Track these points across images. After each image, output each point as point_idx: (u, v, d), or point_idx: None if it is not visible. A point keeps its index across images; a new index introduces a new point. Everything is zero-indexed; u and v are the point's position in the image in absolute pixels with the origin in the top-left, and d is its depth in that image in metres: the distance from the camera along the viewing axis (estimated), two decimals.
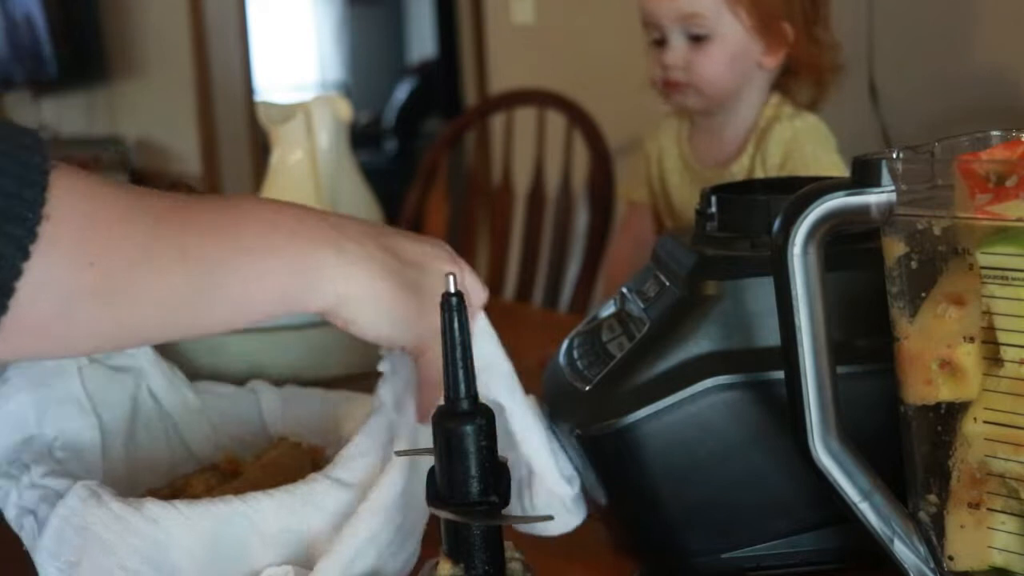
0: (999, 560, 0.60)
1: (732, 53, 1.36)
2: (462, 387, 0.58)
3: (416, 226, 2.18)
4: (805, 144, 1.35)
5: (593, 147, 2.04)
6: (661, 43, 1.39)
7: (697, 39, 1.36)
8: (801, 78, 1.42)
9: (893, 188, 0.59)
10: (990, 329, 0.58)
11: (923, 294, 0.59)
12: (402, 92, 6.24)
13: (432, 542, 0.60)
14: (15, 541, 0.69)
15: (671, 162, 1.50)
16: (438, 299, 0.58)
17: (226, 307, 0.61)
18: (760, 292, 0.68)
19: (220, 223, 0.61)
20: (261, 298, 0.62)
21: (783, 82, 1.42)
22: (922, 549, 0.62)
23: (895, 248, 0.60)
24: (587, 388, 0.73)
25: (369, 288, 0.64)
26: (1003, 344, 0.58)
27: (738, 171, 1.40)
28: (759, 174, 1.37)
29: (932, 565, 0.62)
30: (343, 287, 0.63)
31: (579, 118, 2.07)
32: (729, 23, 1.35)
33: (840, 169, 1.32)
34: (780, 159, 1.36)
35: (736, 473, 0.70)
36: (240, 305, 0.61)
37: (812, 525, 0.71)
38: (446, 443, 0.58)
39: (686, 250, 0.75)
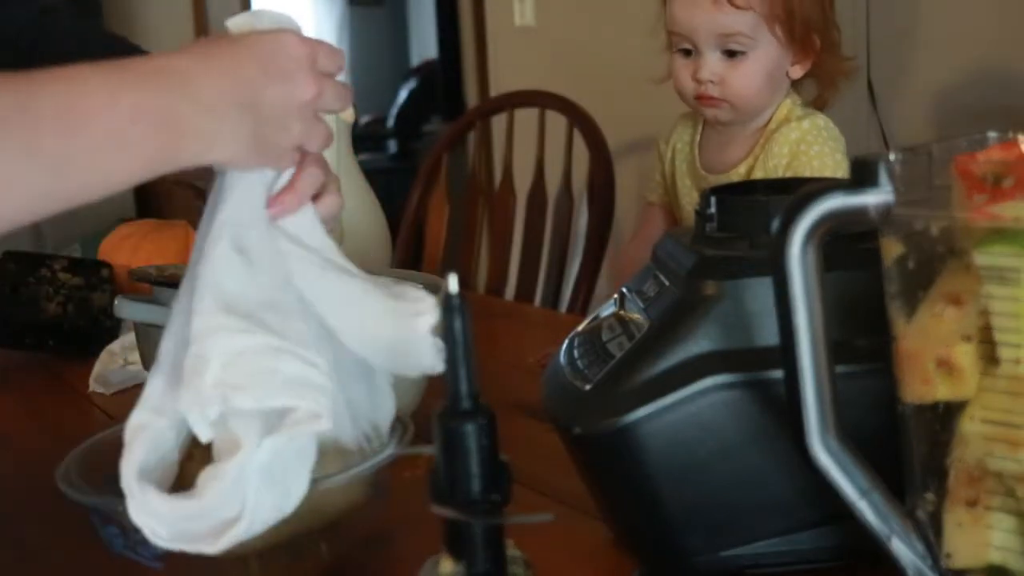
0: (996, 557, 0.60)
1: (767, 69, 1.36)
2: (463, 386, 0.58)
3: (418, 226, 2.19)
4: (812, 144, 1.36)
5: (593, 148, 2.04)
6: (690, 53, 1.39)
7: (732, 54, 1.36)
8: (818, 80, 1.43)
9: (891, 189, 0.60)
10: (987, 329, 0.58)
11: (921, 294, 0.60)
12: (404, 93, 6.25)
13: (434, 539, 0.61)
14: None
15: (682, 165, 1.50)
16: (296, 136, 0.72)
17: (83, 188, 0.64)
18: (759, 292, 0.69)
19: (67, 114, 0.62)
20: (119, 176, 0.65)
21: (794, 83, 1.43)
22: (920, 547, 0.62)
23: (893, 248, 0.60)
24: (587, 387, 0.74)
25: (231, 154, 0.70)
26: (1000, 343, 0.58)
27: (738, 175, 1.40)
28: (758, 176, 1.37)
29: (930, 563, 0.62)
30: (204, 157, 0.68)
31: (579, 119, 2.08)
32: (766, 40, 1.35)
33: (845, 171, 1.33)
34: (787, 159, 1.36)
35: (735, 472, 0.70)
36: (97, 184, 0.64)
37: (811, 523, 0.72)
38: (447, 442, 0.58)
39: (686, 250, 0.76)
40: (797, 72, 1.40)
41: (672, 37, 1.40)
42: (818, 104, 1.44)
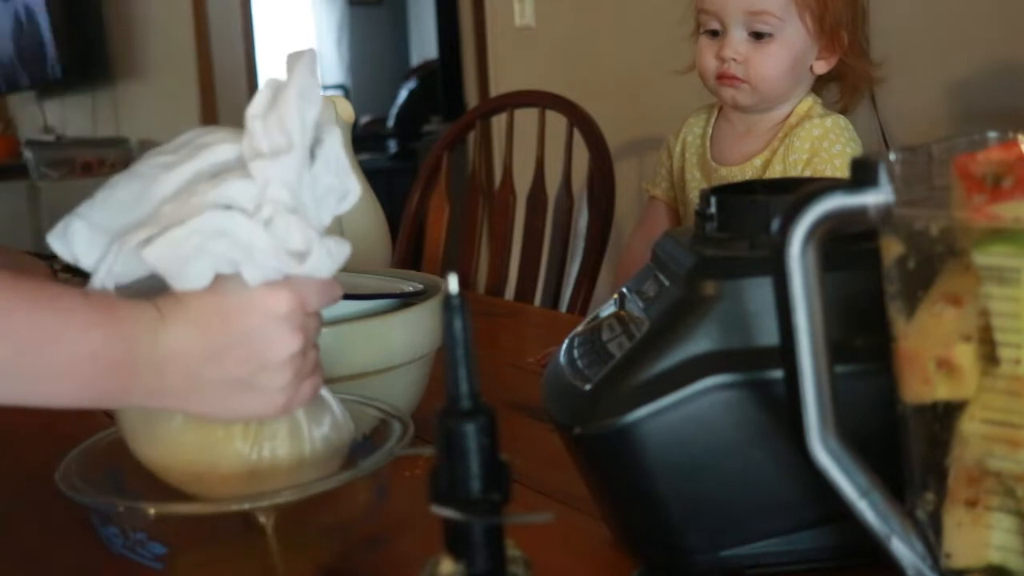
0: (996, 557, 0.60)
1: (792, 55, 1.37)
2: (463, 386, 0.58)
3: (418, 226, 2.19)
4: (835, 143, 1.36)
5: (593, 148, 2.04)
6: (716, 34, 1.39)
7: (759, 36, 1.36)
8: (843, 84, 1.43)
9: (891, 189, 0.60)
10: (987, 329, 0.58)
11: (921, 294, 0.60)
12: (404, 93, 6.25)
13: (434, 539, 0.61)
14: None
15: (692, 158, 1.50)
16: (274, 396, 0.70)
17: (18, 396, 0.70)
18: (759, 292, 0.69)
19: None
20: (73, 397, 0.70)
21: (816, 85, 1.43)
22: (919, 547, 0.62)
23: (893, 248, 0.60)
24: (587, 387, 0.74)
25: (195, 412, 0.72)
26: (1000, 343, 0.58)
27: (754, 168, 1.40)
28: (777, 169, 1.37)
29: (929, 562, 0.62)
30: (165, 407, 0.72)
31: (579, 119, 2.08)
32: (794, 25, 1.36)
33: None
34: (807, 155, 1.36)
35: (735, 471, 0.70)
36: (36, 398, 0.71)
37: (810, 523, 0.72)
38: (447, 441, 0.58)
39: (685, 250, 0.76)
40: (821, 67, 1.40)
41: (700, 16, 1.40)
42: (839, 110, 1.44)
